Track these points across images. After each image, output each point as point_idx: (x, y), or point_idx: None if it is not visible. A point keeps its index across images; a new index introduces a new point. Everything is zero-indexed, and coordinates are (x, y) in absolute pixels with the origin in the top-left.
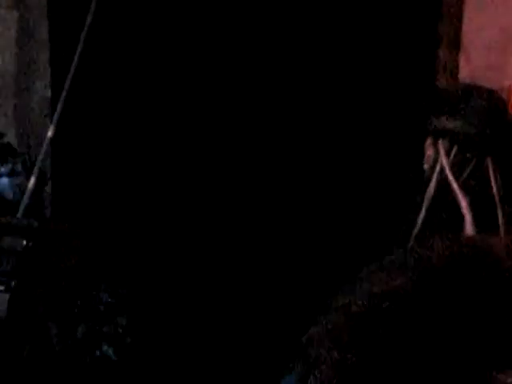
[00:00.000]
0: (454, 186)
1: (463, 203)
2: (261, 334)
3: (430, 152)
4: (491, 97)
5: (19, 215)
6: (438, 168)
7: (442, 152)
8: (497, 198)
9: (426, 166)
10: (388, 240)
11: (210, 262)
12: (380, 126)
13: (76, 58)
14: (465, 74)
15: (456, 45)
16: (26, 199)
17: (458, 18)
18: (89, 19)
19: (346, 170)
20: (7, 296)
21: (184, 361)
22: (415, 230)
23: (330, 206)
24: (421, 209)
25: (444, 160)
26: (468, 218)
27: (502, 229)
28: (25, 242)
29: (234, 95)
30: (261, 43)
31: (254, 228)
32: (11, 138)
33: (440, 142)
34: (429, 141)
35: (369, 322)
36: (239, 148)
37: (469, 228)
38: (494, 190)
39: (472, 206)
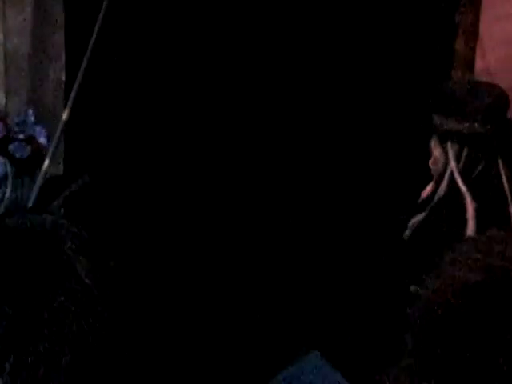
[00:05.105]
0: (463, 189)
1: (470, 209)
2: (260, 334)
3: (436, 153)
4: (497, 94)
5: (32, 198)
6: (448, 171)
7: (451, 155)
8: (509, 198)
9: (432, 168)
10: (390, 240)
11: (216, 264)
12: (390, 124)
13: (92, 40)
14: (480, 67)
15: (473, 36)
16: (38, 182)
17: (477, 7)
18: (105, 1)
19: (351, 168)
20: None
21: (183, 361)
22: (418, 229)
23: (335, 206)
24: (426, 210)
25: (453, 164)
26: (471, 224)
27: None
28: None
29: (247, 97)
30: (272, 42)
31: (260, 228)
32: None
33: (449, 144)
34: (434, 141)
35: None
36: (248, 149)
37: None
38: (506, 189)
39: (480, 210)
